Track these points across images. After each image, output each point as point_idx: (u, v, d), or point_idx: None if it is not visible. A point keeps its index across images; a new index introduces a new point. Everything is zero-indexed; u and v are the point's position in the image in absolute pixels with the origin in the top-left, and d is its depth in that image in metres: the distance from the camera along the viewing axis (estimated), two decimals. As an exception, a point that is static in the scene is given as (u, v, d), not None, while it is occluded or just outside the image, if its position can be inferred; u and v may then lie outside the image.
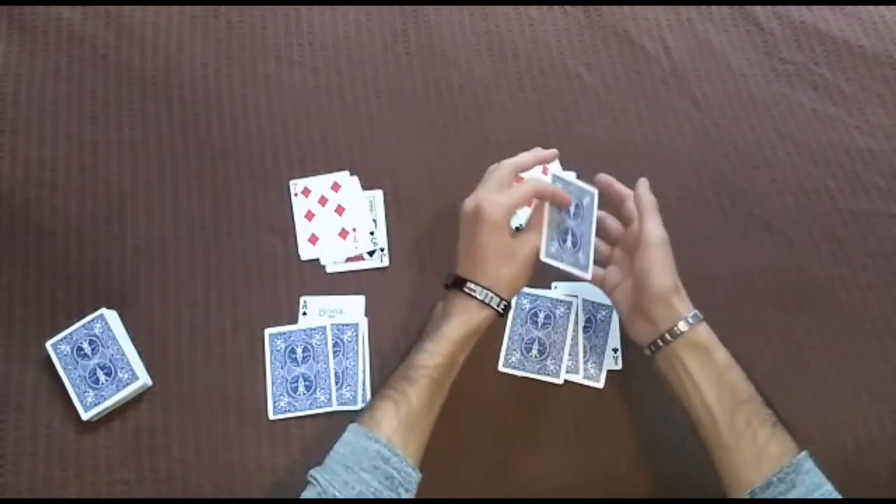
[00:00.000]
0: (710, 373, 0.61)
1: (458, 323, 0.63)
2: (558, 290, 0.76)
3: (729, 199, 0.81)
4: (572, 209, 0.68)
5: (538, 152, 0.69)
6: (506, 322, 0.74)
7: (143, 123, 0.81)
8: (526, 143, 0.81)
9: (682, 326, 0.62)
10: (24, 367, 0.72)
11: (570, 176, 0.75)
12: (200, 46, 0.85)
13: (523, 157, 0.68)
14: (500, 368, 0.73)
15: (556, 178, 0.68)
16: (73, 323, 0.71)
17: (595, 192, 0.70)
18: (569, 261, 0.67)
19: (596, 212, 0.70)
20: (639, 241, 0.64)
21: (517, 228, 0.75)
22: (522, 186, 0.65)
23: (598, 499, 0.70)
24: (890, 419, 0.73)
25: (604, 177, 0.70)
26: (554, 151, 0.70)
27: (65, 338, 0.71)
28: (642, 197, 0.66)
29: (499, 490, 0.70)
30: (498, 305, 0.63)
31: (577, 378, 0.73)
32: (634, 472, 0.71)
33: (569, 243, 0.68)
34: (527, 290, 0.75)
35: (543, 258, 0.66)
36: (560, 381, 0.72)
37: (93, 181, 0.78)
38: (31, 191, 0.78)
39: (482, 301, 0.63)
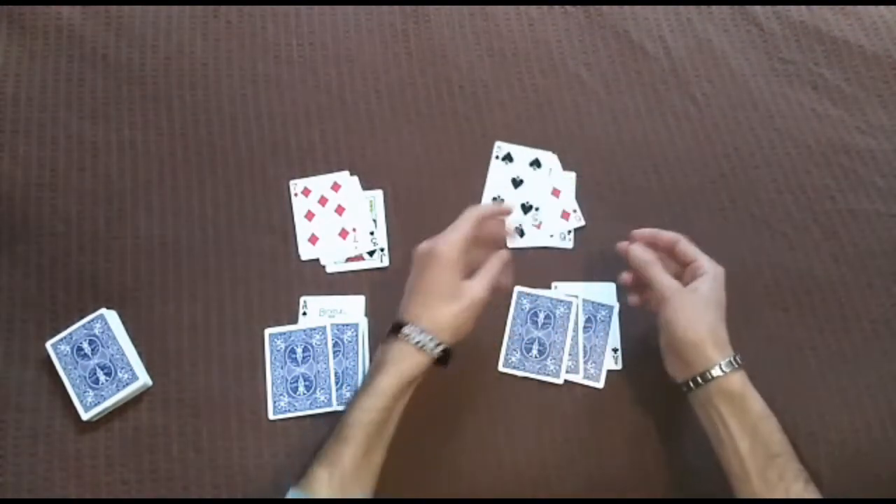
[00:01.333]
0: (744, 422, 0.60)
1: (393, 373, 0.60)
2: (558, 289, 0.76)
3: (729, 199, 0.81)
4: (541, 320, 0.73)
5: (499, 204, 0.70)
6: (506, 322, 0.74)
7: (143, 123, 0.81)
8: (526, 143, 0.82)
9: (714, 372, 0.60)
10: (24, 367, 0.72)
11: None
12: (200, 46, 0.85)
13: (484, 206, 0.68)
14: (500, 368, 0.73)
15: (521, 294, 0.74)
16: (73, 323, 0.71)
17: (573, 301, 0.74)
18: (532, 369, 0.72)
19: (574, 320, 0.73)
20: (661, 293, 0.65)
21: (519, 232, 0.76)
22: (462, 216, 0.65)
23: (598, 499, 0.70)
24: (890, 419, 0.73)
25: (640, 233, 0.70)
26: (510, 207, 0.71)
27: (65, 338, 0.71)
28: (639, 262, 0.67)
29: (499, 490, 0.70)
30: (433, 350, 0.60)
31: (577, 378, 0.73)
32: (634, 473, 0.71)
33: (534, 352, 0.73)
34: (527, 289, 0.75)
35: (501, 368, 0.72)
36: (560, 381, 0.72)
37: (93, 181, 0.78)
38: (31, 191, 0.78)
39: (417, 345, 0.60)
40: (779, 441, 0.59)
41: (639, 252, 0.68)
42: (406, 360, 0.60)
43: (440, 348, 0.61)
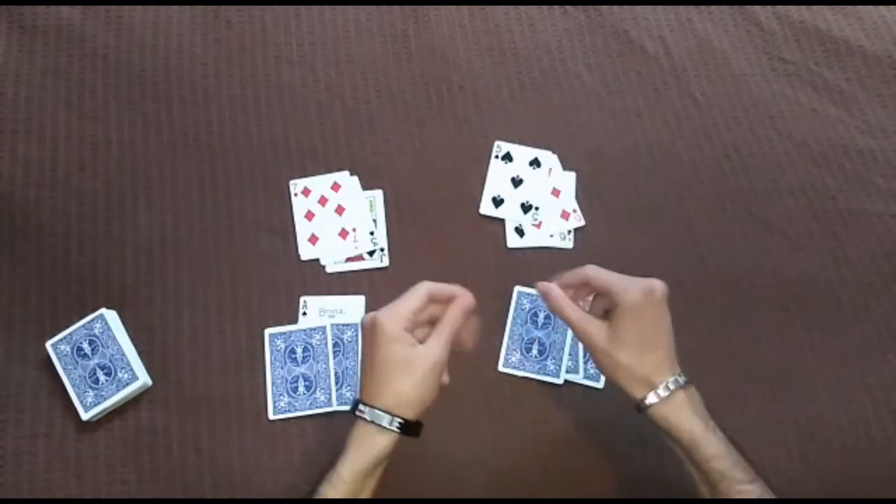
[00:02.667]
0: (680, 448, 0.59)
1: (354, 457, 0.57)
2: (516, 288, 0.75)
3: (729, 199, 0.81)
4: (541, 319, 0.73)
5: (456, 288, 0.63)
6: (506, 322, 0.74)
7: (143, 123, 0.81)
8: (526, 143, 0.82)
9: (638, 408, 0.59)
10: (24, 367, 0.72)
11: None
12: (200, 46, 0.85)
13: (438, 286, 0.62)
14: (500, 368, 0.73)
15: (521, 294, 0.74)
16: (73, 323, 0.71)
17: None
18: (532, 369, 0.73)
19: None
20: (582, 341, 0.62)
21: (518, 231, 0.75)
22: (413, 290, 0.61)
23: (597, 499, 0.70)
24: (890, 419, 0.73)
25: (543, 285, 0.64)
26: (468, 300, 0.62)
27: (65, 338, 0.71)
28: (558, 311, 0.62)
29: (498, 490, 0.70)
30: (391, 424, 0.57)
31: (577, 378, 0.73)
32: (634, 473, 0.71)
33: (534, 352, 0.73)
34: (527, 289, 0.75)
35: (501, 368, 0.72)
36: (560, 381, 0.72)
37: (93, 181, 0.78)
38: (31, 191, 0.78)
39: (375, 424, 0.57)
40: (717, 468, 0.57)
41: (542, 294, 0.64)
42: (367, 442, 0.57)
43: (398, 422, 0.57)
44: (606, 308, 0.62)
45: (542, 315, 0.74)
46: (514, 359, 0.73)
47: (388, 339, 0.58)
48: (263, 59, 0.84)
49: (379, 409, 0.57)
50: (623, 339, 0.59)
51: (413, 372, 0.58)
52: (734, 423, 0.71)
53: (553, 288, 0.63)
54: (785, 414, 0.73)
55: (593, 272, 0.62)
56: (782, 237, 0.80)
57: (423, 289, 0.61)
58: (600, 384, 0.73)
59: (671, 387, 0.59)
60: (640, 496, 0.70)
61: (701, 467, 0.58)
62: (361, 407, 0.58)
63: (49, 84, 0.82)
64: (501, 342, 0.74)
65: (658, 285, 0.60)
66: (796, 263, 0.78)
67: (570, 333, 0.73)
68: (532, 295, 0.75)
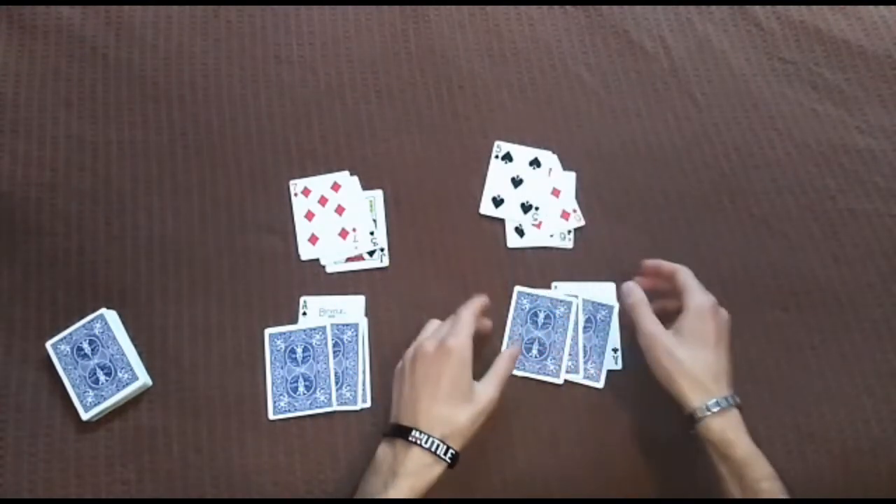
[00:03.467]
0: (730, 469, 0.59)
1: (408, 488, 0.57)
2: (558, 289, 0.76)
3: (729, 199, 0.81)
4: (541, 320, 0.72)
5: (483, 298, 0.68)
6: (506, 322, 0.74)
7: (143, 123, 0.81)
8: (526, 143, 0.82)
9: (694, 416, 0.60)
10: (24, 367, 0.72)
11: (545, 292, 0.75)
12: (200, 46, 0.85)
13: (477, 300, 0.67)
14: None
15: (521, 294, 0.74)
16: (73, 323, 0.71)
17: (573, 301, 0.73)
18: (532, 369, 0.72)
19: (574, 320, 0.73)
20: (642, 340, 0.65)
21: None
22: (462, 313, 0.64)
23: (598, 499, 0.70)
24: (890, 419, 0.73)
25: (628, 285, 0.69)
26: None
27: (65, 338, 0.71)
28: (629, 301, 0.67)
29: (498, 490, 0.70)
30: (445, 455, 0.58)
31: (577, 378, 0.73)
32: (634, 473, 0.71)
33: (534, 352, 0.72)
34: (527, 289, 0.75)
35: None
36: (560, 381, 0.72)
37: (93, 181, 0.78)
38: (31, 191, 0.78)
39: (433, 453, 0.57)
40: (767, 489, 0.58)
41: (626, 292, 0.68)
42: (422, 474, 0.57)
43: (450, 454, 0.58)
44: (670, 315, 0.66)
45: (542, 315, 0.74)
46: None
47: (457, 365, 0.60)
48: (263, 59, 0.84)
49: (437, 439, 0.58)
50: (685, 337, 0.62)
51: (474, 405, 0.60)
52: (734, 423, 0.72)
53: (637, 290, 0.67)
54: (785, 414, 0.73)
55: (683, 270, 0.67)
56: (782, 237, 0.80)
57: (471, 310, 0.65)
58: (600, 384, 0.73)
59: (731, 401, 0.60)
60: (641, 496, 0.70)
61: (750, 487, 0.58)
62: (418, 434, 0.58)
63: (49, 84, 0.82)
64: (501, 342, 0.74)
65: (726, 312, 0.65)
66: (796, 263, 0.78)
67: (569, 333, 0.73)
68: (532, 295, 0.75)
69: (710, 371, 0.61)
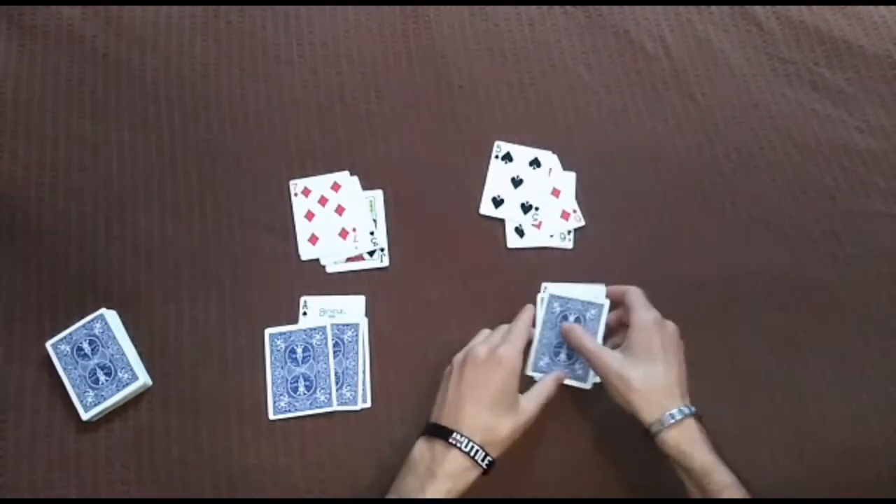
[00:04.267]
0: (691, 480, 0.58)
1: (445, 490, 0.57)
2: (547, 291, 0.73)
3: (729, 199, 0.81)
4: (570, 321, 0.70)
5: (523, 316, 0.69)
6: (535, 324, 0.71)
7: (143, 123, 0.81)
8: (526, 143, 0.82)
9: (650, 431, 0.60)
10: (24, 367, 0.72)
11: (569, 288, 0.72)
12: (200, 46, 0.85)
13: (523, 319, 0.68)
14: (529, 372, 0.70)
15: (552, 297, 0.71)
16: (73, 323, 0.71)
17: (604, 303, 0.69)
18: (566, 372, 0.69)
19: (603, 322, 0.69)
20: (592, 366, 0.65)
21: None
22: (518, 324, 0.66)
23: (598, 499, 0.70)
24: (890, 419, 0.73)
25: (566, 326, 0.69)
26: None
27: (65, 338, 0.71)
28: (565, 332, 0.68)
29: (498, 491, 0.70)
30: (483, 461, 0.58)
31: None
32: (634, 473, 0.70)
33: (562, 356, 0.70)
34: (559, 292, 0.72)
35: (529, 372, 0.69)
36: (588, 385, 0.69)
37: (93, 181, 0.78)
38: (31, 191, 0.78)
39: (472, 457, 0.58)
40: (728, 496, 0.57)
41: (564, 331, 0.68)
42: (460, 477, 0.58)
43: (487, 461, 0.58)
44: (618, 344, 0.66)
45: (571, 318, 0.71)
46: (542, 363, 0.70)
47: (507, 375, 0.61)
48: (263, 59, 0.84)
49: (477, 444, 0.58)
50: (633, 356, 0.62)
51: (517, 417, 0.61)
52: (734, 423, 0.72)
53: (574, 326, 0.68)
54: (785, 414, 0.73)
55: (631, 291, 0.67)
56: (782, 237, 0.80)
57: (527, 319, 0.67)
58: (588, 385, 0.70)
59: (684, 411, 0.59)
60: (640, 496, 0.70)
61: (713, 496, 0.57)
62: (459, 437, 0.58)
63: (49, 84, 0.82)
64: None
65: (672, 323, 0.65)
66: (796, 263, 0.78)
67: (600, 335, 0.70)
68: (563, 298, 0.71)
69: (659, 385, 0.61)
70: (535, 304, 0.72)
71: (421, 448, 0.60)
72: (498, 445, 0.60)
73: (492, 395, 0.60)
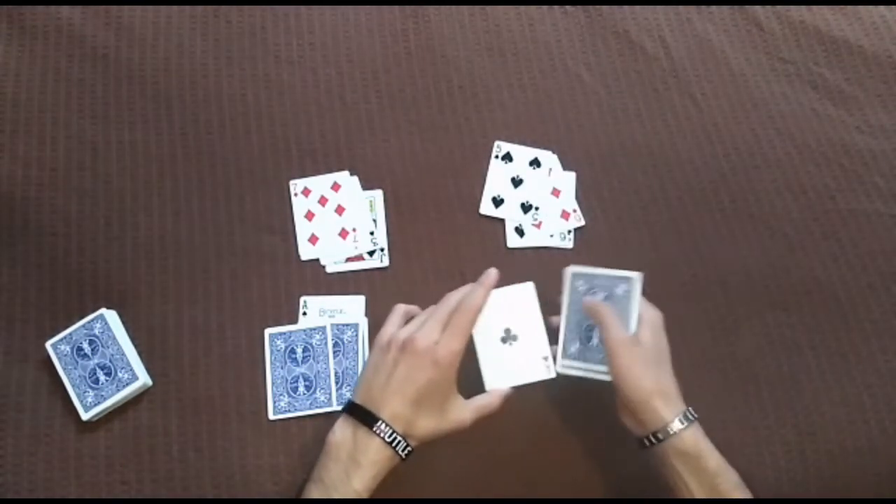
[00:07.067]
0: (701, 481, 0.58)
1: (369, 477, 0.57)
2: (569, 270, 0.69)
3: (729, 199, 0.81)
4: (600, 299, 0.64)
5: (483, 281, 0.64)
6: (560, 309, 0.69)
7: (143, 123, 0.81)
8: (526, 143, 0.82)
9: (669, 430, 0.58)
10: (24, 367, 0.72)
11: (591, 269, 0.66)
12: (200, 46, 0.85)
13: (476, 295, 0.62)
14: (560, 369, 0.66)
15: (575, 275, 0.66)
16: (73, 323, 0.71)
17: (635, 276, 0.63)
18: (594, 359, 0.63)
19: (637, 299, 0.63)
20: (608, 345, 0.61)
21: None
22: (459, 321, 0.60)
23: (598, 498, 0.70)
24: (890, 419, 0.73)
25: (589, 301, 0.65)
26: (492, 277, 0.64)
27: (65, 338, 0.71)
28: (589, 306, 0.63)
29: (499, 491, 0.70)
30: (403, 451, 0.58)
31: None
32: (635, 473, 0.70)
33: (595, 340, 0.64)
34: (581, 269, 0.68)
35: (561, 362, 0.64)
36: (609, 377, 0.64)
37: (93, 181, 0.78)
38: (31, 191, 0.78)
39: (393, 448, 0.57)
40: (738, 495, 0.58)
41: (589, 300, 0.65)
42: (384, 464, 0.58)
43: (406, 452, 0.58)
44: None
45: (600, 296, 0.65)
46: (573, 349, 0.65)
47: (446, 378, 0.59)
48: (263, 59, 0.84)
49: (399, 435, 0.58)
50: (650, 352, 0.61)
51: (443, 422, 0.60)
52: (734, 423, 0.72)
53: (600, 305, 0.63)
54: (785, 414, 0.73)
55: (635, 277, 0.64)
56: (782, 237, 0.80)
57: (468, 322, 0.61)
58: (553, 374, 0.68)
59: (692, 413, 0.59)
60: (640, 496, 0.70)
61: (724, 496, 0.57)
62: (383, 427, 0.58)
63: (49, 84, 0.82)
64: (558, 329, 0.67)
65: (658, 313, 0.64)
66: (796, 263, 0.78)
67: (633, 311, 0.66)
68: (588, 275, 0.66)
69: (672, 383, 0.61)
70: (534, 289, 0.66)
71: (343, 431, 0.59)
72: (417, 439, 0.59)
73: (421, 394, 0.58)
